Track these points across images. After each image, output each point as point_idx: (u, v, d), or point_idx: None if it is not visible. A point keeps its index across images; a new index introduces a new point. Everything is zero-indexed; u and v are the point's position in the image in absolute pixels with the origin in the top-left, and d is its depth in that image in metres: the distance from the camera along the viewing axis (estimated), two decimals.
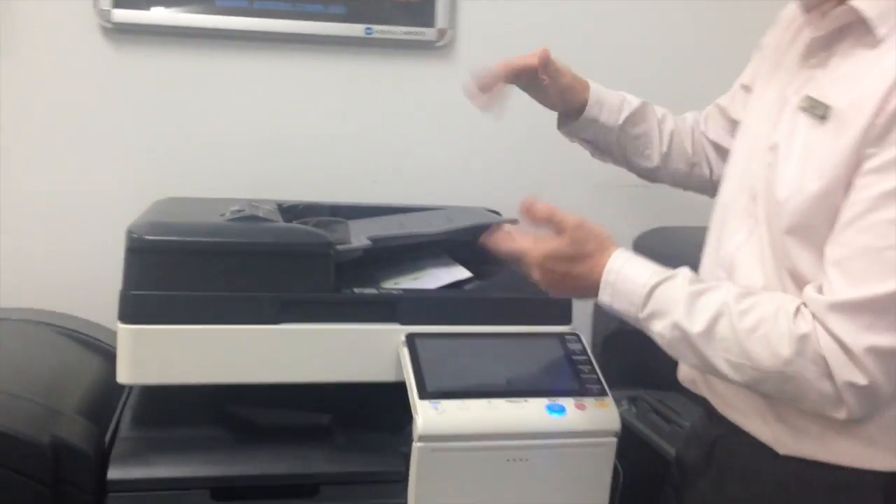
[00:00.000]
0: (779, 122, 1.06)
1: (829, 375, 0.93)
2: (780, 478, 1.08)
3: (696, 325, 1.00)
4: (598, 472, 1.27)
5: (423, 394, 1.23)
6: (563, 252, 1.11)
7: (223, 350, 1.28)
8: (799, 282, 1.01)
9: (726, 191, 1.17)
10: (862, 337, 0.91)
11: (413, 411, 1.22)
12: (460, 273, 1.48)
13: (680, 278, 1.05)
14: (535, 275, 1.14)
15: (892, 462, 1.02)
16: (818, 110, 0.99)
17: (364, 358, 1.33)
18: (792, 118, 1.04)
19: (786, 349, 0.94)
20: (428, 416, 1.20)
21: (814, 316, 0.94)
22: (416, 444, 1.20)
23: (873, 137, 0.92)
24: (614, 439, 1.26)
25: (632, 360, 1.70)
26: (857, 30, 0.99)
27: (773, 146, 1.05)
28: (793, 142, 1.02)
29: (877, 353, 0.91)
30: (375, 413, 1.37)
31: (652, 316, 1.04)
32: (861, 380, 0.92)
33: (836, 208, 0.96)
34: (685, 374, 1.22)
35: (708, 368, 1.02)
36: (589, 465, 1.26)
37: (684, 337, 1.01)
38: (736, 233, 1.11)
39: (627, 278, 1.07)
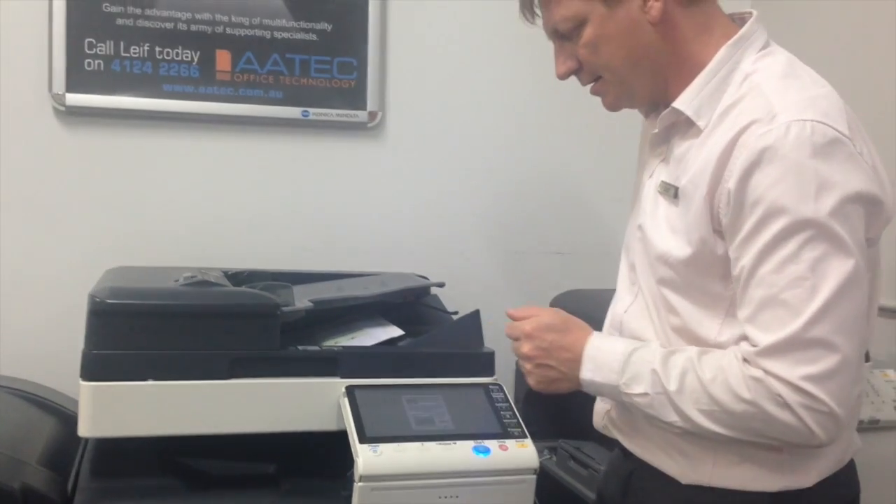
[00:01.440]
0: (645, 204, 1.26)
1: (787, 406, 1.07)
2: (685, 503, 1.23)
3: (671, 384, 1.13)
4: None
5: (363, 439, 1.37)
6: (552, 323, 1.26)
7: (178, 404, 1.39)
8: (681, 333, 1.19)
9: (620, 265, 1.37)
10: (796, 370, 1.06)
11: (354, 454, 1.35)
12: (394, 331, 1.64)
13: (653, 344, 1.19)
14: (525, 349, 1.25)
15: (773, 483, 1.18)
16: (670, 192, 1.19)
17: (308, 409, 1.46)
18: (654, 200, 1.24)
19: (745, 391, 1.09)
20: (368, 458, 1.34)
21: (756, 365, 1.09)
22: (357, 485, 1.33)
23: (723, 208, 1.11)
24: (534, 476, 1.41)
25: (551, 413, 1.84)
26: (684, 124, 1.20)
27: (640, 226, 1.25)
28: (657, 218, 1.21)
29: (813, 380, 1.05)
30: (318, 460, 1.50)
31: (632, 380, 1.18)
32: (818, 406, 1.06)
33: (708, 262, 1.14)
34: (598, 420, 1.37)
35: (687, 422, 1.14)
36: (511, 500, 1.41)
37: (664, 394, 1.15)
38: (623, 299, 1.31)
39: (607, 351, 1.21)
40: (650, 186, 1.25)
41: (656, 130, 1.24)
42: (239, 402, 1.42)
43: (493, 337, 1.60)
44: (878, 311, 1.22)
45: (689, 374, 1.13)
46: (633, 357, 1.18)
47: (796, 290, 1.05)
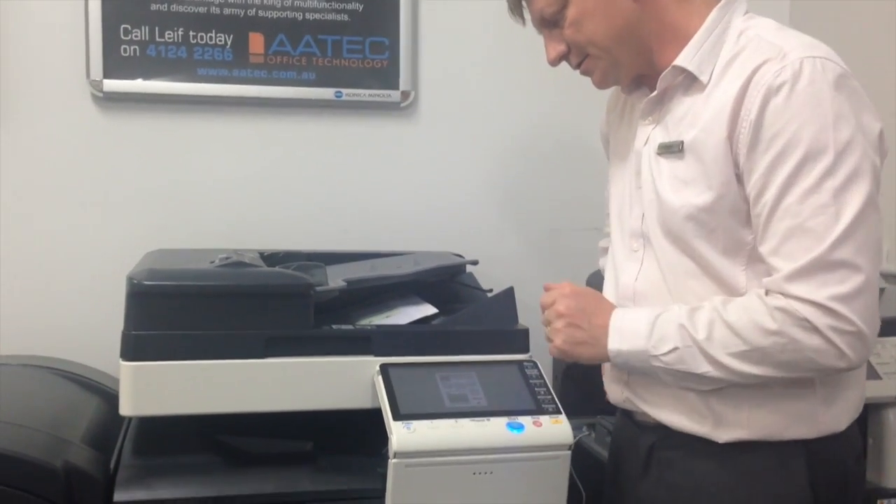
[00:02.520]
0: (640, 171, 1.28)
1: (815, 330, 1.09)
2: (718, 463, 1.23)
3: (699, 333, 1.17)
4: (554, 483, 1.41)
5: (397, 416, 1.38)
6: (590, 291, 1.35)
7: (215, 383, 1.42)
8: (702, 288, 1.21)
9: (612, 247, 1.39)
10: (822, 291, 1.09)
11: (388, 431, 1.36)
12: (427, 310, 1.64)
13: (673, 308, 1.23)
14: (561, 307, 1.30)
15: (808, 430, 1.19)
16: (673, 148, 1.22)
17: (342, 387, 1.47)
18: (654, 164, 1.26)
19: (770, 322, 1.12)
20: (402, 435, 1.35)
21: (781, 293, 1.12)
22: (391, 461, 1.34)
23: (743, 148, 1.14)
24: (568, 452, 1.41)
25: (589, 389, 1.83)
26: (683, 84, 1.24)
27: (639, 186, 1.28)
28: (663, 178, 1.24)
29: (840, 299, 1.08)
30: (354, 438, 1.51)
31: (660, 341, 1.20)
32: (846, 326, 1.09)
33: (732, 206, 1.17)
34: (616, 395, 1.38)
35: (720, 369, 1.16)
36: (546, 476, 1.41)
37: (694, 344, 1.17)
38: (626, 270, 1.33)
39: (632, 319, 1.25)
40: (647, 153, 1.28)
41: (653, 94, 1.27)
42: (274, 380, 1.44)
43: (528, 314, 1.60)
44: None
45: (716, 322, 1.16)
46: (659, 320, 1.21)
47: (820, 218, 1.09)
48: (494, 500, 1.39)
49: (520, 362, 1.53)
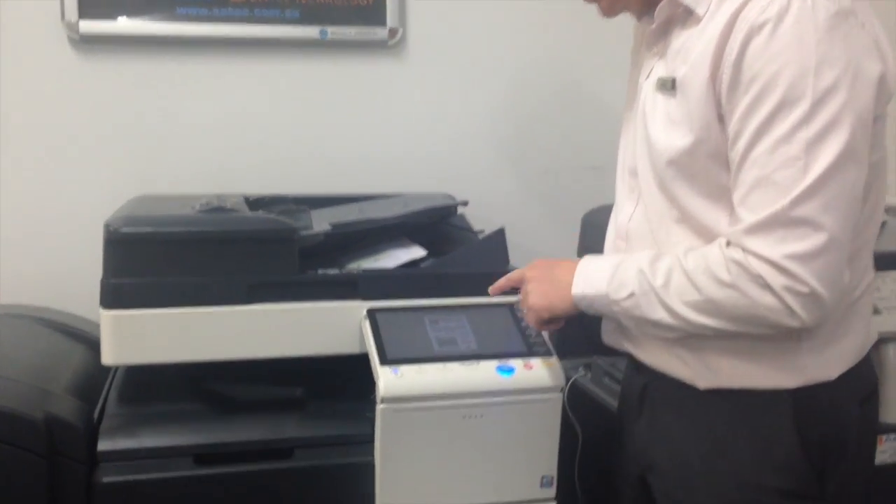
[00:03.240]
0: (644, 106, 1.23)
1: (768, 288, 1.05)
2: (704, 408, 1.21)
3: (657, 280, 1.14)
4: (547, 425, 1.39)
5: (384, 361, 1.35)
6: (549, 260, 1.33)
7: (198, 330, 1.39)
8: (687, 231, 1.17)
9: (617, 182, 1.35)
10: (779, 248, 1.04)
11: (375, 377, 1.34)
12: (417, 252, 1.61)
13: (637, 254, 1.20)
14: (529, 273, 1.31)
15: (794, 379, 1.16)
16: (667, 85, 1.16)
17: (329, 333, 1.44)
18: (651, 99, 1.21)
19: (724, 274, 1.08)
20: (389, 380, 1.32)
21: (739, 246, 1.08)
22: (379, 407, 1.31)
23: (724, 89, 1.08)
24: (560, 394, 1.38)
25: (586, 329, 1.80)
26: (682, 16, 1.17)
27: (639, 124, 1.23)
28: (656, 116, 1.19)
29: (797, 258, 1.04)
30: (343, 383, 1.49)
31: (620, 285, 1.18)
32: (800, 287, 1.04)
33: (713, 150, 1.12)
34: (608, 335, 1.35)
35: (674, 317, 1.14)
36: (539, 419, 1.38)
37: (651, 290, 1.15)
38: (623, 208, 1.29)
39: (596, 266, 1.23)
40: (648, 87, 1.23)
41: (654, 26, 1.21)
42: (259, 327, 1.41)
43: (520, 256, 1.57)
44: None
45: (675, 269, 1.13)
46: (621, 266, 1.19)
47: (788, 171, 1.04)
48: (485, 443, 1.37)
49: (511, 305, 1.49)
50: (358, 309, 1.45)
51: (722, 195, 1.13)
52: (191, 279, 1.38)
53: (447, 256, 1.58)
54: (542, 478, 1.40)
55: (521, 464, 1.39)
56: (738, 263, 1.07)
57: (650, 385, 1.28)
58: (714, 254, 1.11)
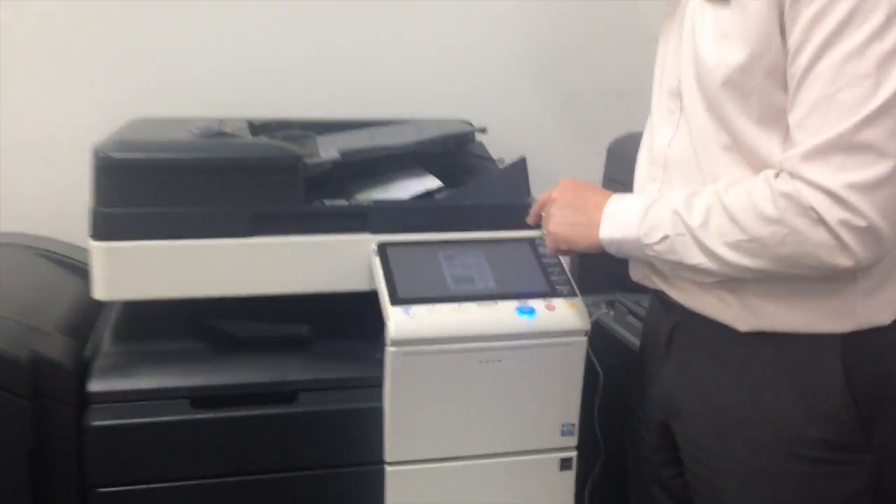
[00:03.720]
0: (683, 22, 1.12)
1: (822, 221, 0.96)
2: (742, 353, 1.12)
3: (694, 219, 1.05)
4: (569, 371, 1.30)
5: (395, 300, 1.25)
6: (578, 183, 1.23)
7: (196, 264, 1.29)
8: (736, 157, 1.06)
9: (652, 105, 1.23)
10: (838, 177, 0.94)
11: (385, 317, 1.24)
12: (431, 182, 1.49)
13: (672, 193, 1.10)
14: (556, 194, 1.21)
15: (844, 324, 1.06)
16: None
17: (336, 268, 1.34)
18: (699, 10, 1.09)
19: (770, 209, 0.98)
20: (399, 321, 1.22)
21: (791, 174, 0.98)
22: (388, 349, 1.22)
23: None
24: (584, 338, 1.28)
25: (609, 266, 1.71)
26: None
27: (683, 39, 1.12)
28: (704, 28, 1.07)
29: (858, 188, 0.94)
30: (351, 322, 1.39)
31: (652, 228, 1.09)
32: (857, 220, 0.94)
33: (770, 66, 1.00)
34: (637, 271, 1.25)
35: (714, 260, 1.05)
36: (560, 364, 1.29)
37: (687, 231, 1.05)
38: (661, 133, 1.18)
39: (625, 207, 1.14)
40: (690, 3, 1.11)
41: None
42: (262, 261, 1.31)
43: (543, 187, 1.44)
44: None
45: (714, 208, 1.04)
46: (654, 206, 1.10)
47: (855, 90, 0.93)
48: (503, 390, 1.28)
49: (532, 240, 1.39)
50: (367, 243, 1.34)
51: (777, 119, 1.02)
52: (187, 210, 1.28)
53: (464, 187, 1.47)
54: (563, 426, 1.31)
55: (542, 411, 1.30)
56: (788, 196, 0.97)
57: (681, 326, 1.19)
58: (759, 188, 1.00)
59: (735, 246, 1.02)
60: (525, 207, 1.39)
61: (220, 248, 1.29)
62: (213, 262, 1.30)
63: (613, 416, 1.39)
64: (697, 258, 1.05)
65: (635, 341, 1.69)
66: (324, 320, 1.40)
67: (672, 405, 1.22)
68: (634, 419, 1.34)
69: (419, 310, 1.24)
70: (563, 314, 1.28)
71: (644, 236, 1.10)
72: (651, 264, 1.18)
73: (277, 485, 1.28)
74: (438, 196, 1.46)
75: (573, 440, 1.32)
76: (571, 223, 1.18)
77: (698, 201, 1.06)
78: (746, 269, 1.03)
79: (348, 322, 1.39)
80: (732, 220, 1.02)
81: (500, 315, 1.26)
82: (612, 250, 1.15)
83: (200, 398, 1.26)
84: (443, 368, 1.24)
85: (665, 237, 1.07)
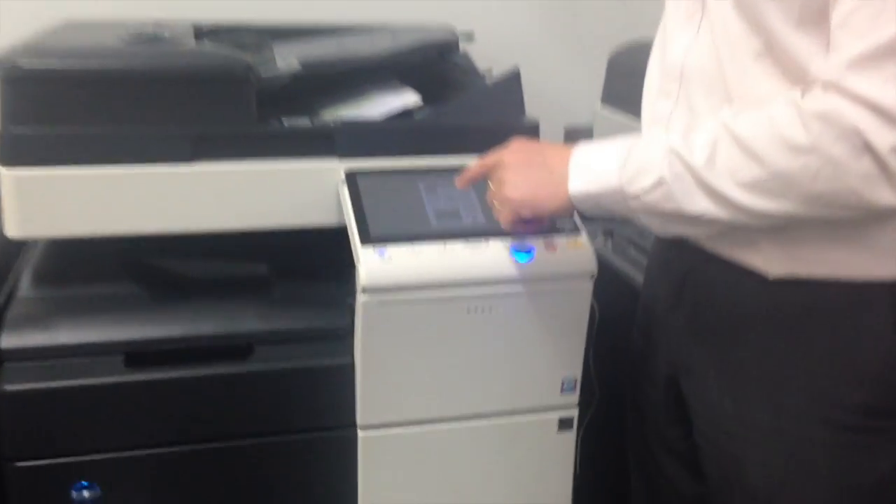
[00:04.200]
0: None
1: (867, 147, 0.77)
2: (767, 307, 0.95)
3: (697, 156, 0.86)
4: (572, 319, 1.11)
5: (367, 239, 1.05)
6: (534, 142, 1.04)
7: (128, 195, 1.09)
8: (769, 65, 0.87)
9: (666, 7, 1.04)
10: (891, 89, 0.76)
11: (356, 260, 1.05)
12: (409, 98, 1.28)
13: (656, 132, 0.93)
14: (507, 157, 1.01)
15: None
16: None
17: (298, 200, 1.14)
18: None
19: (800, 135, 0.80)
20: (372, 264, 1.03)
21: (831, 88, 0.79)
22: (360, 297, 1.03)
23: None
24: (590, 283, 1.09)
25: None
26: None
27: None
28: None
29: None
30: (317, 263, 1.20)
31: (638, 172, 0.89)
32: None
33: None
34: None
35: (724, 206, 0.86)
36: (562, 312, 1.11)
37: (687, 171, 0.86)
38: (678, 39, 0.99)
39: (598, 153, 0.95)
40: None
41: None
42: (207, 191, 1.11)
43: (538, 103, 1.26)
44: None
45: (722, 140, 0.85)
46: (637, 148, 0.91)
47: None
48: (494, 342, 1.10)
49: None
50: (334, 171, 1.14)
51: (818, 21, 0.83)
52: (116, 130, 1.07)
53: (448, 104, 1.26)
54: (564, 381, 1.14)
55: (539, 366, 1.12)
56: (824, 116, 0.78)
57: (696, 269, 1.01)
58: (783, 111, 0.81)
59: (752, 185, 0.83)
60: (519, 129, 1.19)
61: (158, 177, 1.09)
62: (149, 192, 1.09)
63: (611, 358, 1.21)
64: (701, 204, 0.86)
65: (636, 275, 1.52)
66: (285, 261, 1.20)
67: (682, 359, 1.06)
68: (636, 370, 1.18)
69: (396, 251, 1.04)
70: (566, 255, 1.09)
71: (628, 184, 0.90)
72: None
73: (229, 455, 1.10)
74: (418, 115, 1.25)
75: (574, 397, 1.15)
76: (532, 183, 0.98)
77: (700, 134, 0.87)
78: (765, 213, 0.84)
79: (314, 263, 1.20)
80: (748, 153, 0.83)
81: (492, 256, 1.06)
82: (585, 208, 0.96)
83: (136, 354, 1.07)
84: (424, 319, 1.06)
85: (659, 181, 0.88)
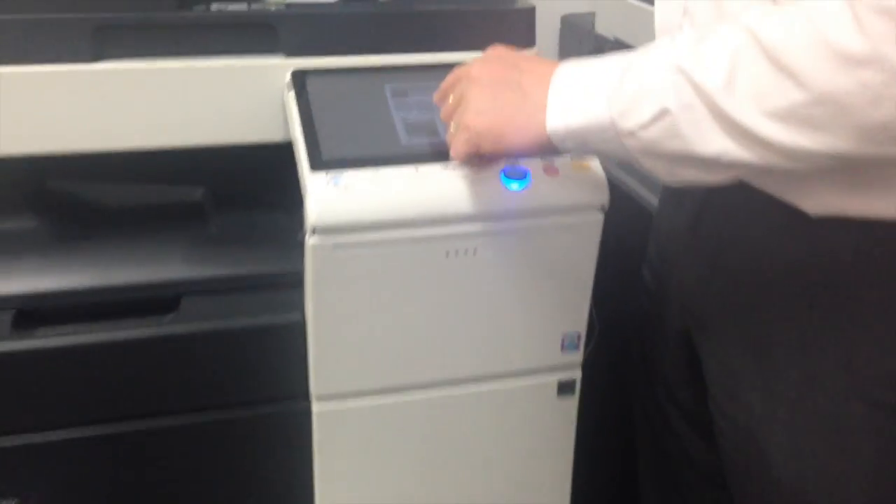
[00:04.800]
0: None
1: None
2: (804, 252, 0.75)
3: (712, 76, 0.62)
4: (575, 264, 0.89)
5: (317, 163, 0.82)
6: (512, 52, 0.80)
7: (14, 105, 0.85)
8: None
9: None
10: None
11: (303, 190, 0.81)
12: None
13: (661, 42, 0.68)
14: (474, 70, 0.77)
15: None
16: None
17: (232, 109, 0.90)
18: None
19: (854, 41, 0.56)
20: (324, 196, 0.79)
21: None
22: (309, 239, 0.80)
23: None
24: (600, 216, 0.87)
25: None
26: None
27: None
28: None
29: None
30: (263, 188, 0.97)
31: (637, 101, 0.66)
32: None
33: None
34: None
35: (749, 143, 0.63)
36: (563, 255, 0.88)
37: (699, 98, 0.63)
38: None
39: (588, 71, 0.71)
40: None
41: None
42: (115, 99, 0.88)
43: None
44: None
45: (745, 53, 0.61)
46: (637, 64, 0.68)
47: None
48: (479, 290, 0.87)
49: None
50: (277, 70, 0.89)
51: None
52: None
53: None
54: (565, 337, 0.92)
55: (535, 320, 0.90)
56: (889, 12, 0.54)
57: (713, 202, 0.82)
58: (830, 7, 0.57)
59: (786, 116, 0.60)
60: (510, 16, 0.95)
61: (52, 78, 0.84)
62: (41, 102, 0.85)
63: (612, 293, 0.99)
64: (717, 142, 0.63)
65: (646, 194, 1.30)
66: (220, 188, 0.97)
67: (697, 310, 0.87)
68: (645, 316, 0.98)
69: (355, 177, 0.81)
70: (570, 181, 0.85)
71: (621, 117, 0.67)
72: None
73: (153, 439, 0.87)
74: None
75: (577, 356, 0.93)
76: (500, 109, 0.74)
77: (715, 47, 0.63)
78: (804, 153, 0.61)
79: (258, 188, 0.97)
80: (780, 68, 0.59)
81: (477, 183, 0.83)
82: (567, 146, 0.73)
83: (28, 313, 0.84)
84: (391, 265, 0.83)
85: (661, 113, 0.65)
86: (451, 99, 0.78)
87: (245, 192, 0.98)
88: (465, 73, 0.77)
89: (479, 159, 0.79)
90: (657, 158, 0.68)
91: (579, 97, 0.69)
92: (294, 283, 0.86)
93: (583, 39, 1.41)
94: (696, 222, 0.85)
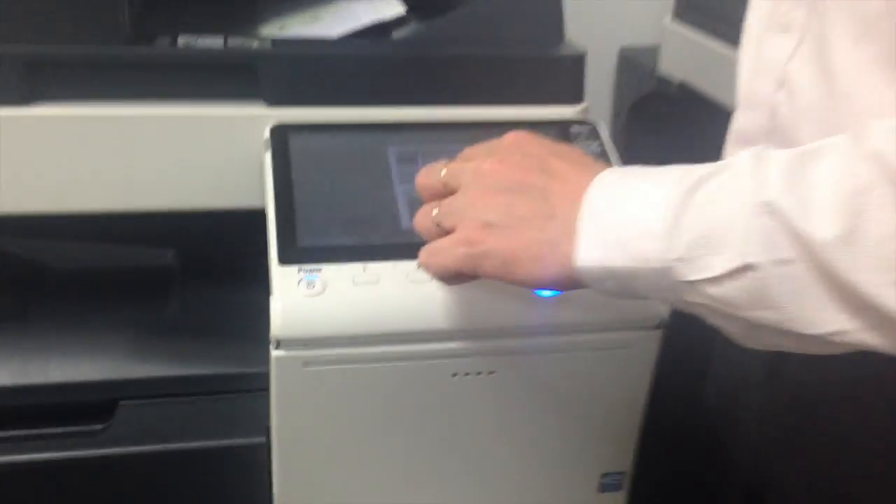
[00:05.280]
0: None
1: None
2: None
3: (825, 223, 0.42)
4: (621, 392, 0.69)
5: (289, 253, 0.63)
6: (544, 142, 0.57)
7: None
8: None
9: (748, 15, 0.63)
10: None
11: (270, 286, 0.63)
12: (390, 7, 0.83)
13: (741, 162, 0.47)
14: (485, 166, 0.56)
15: None
16: None
17: (199, 167, 0.72)
18: None
19: None
20: (293, 299, 0.61)
21: None
22: (273, 353, 0.61)
23: None
24: (657, 333, 0.66)
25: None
26: None
27: None
28: None
29: None
30: (237, 257, 0.78)
31: (703, 246, 0.46)
32: None
33: None
34: None
35: (875, 318, 0.42)
36: (606, 382, 0.68)
37: (802, 253, 0.43)
38: (772, 42, 0.59)
39: (635, 189, 0.50)
40: None
41: None
42: (51, 149, 0.70)
43: (585, 19, 0.83)
44: None
45: (871, 191, 0.41)
46: (702, 191, 0.47)
47: None
48: (497, 419, 0.68)
49: (565, 123, 0.74)
50: (256, 122, 0.71)
51: None
52: None
53: (443, 19, 0.79)
54: (604, 477, 0.72)
55: (565, 456, 0.70)
56: None
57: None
58: None
59: None
60: (556, 63, 0.76)
61: None
62: None
63: (667, 432, 0.79)
64: (828, 318, 0.44)
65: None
66: (188, 252, 0.80)
67: (771, 469, 0.70)
68: (702, 458, 0.80)
69: (336, 275, 0.62)
70: None
71: (681, 263, 0.47)
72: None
73: None
74: (397, 33, 0.80)
75: (619, 497, 0.73)
76: (514, 225, 0.53)
77: (825, 176, 0.43)
78: None
79: (232, 255, 0.79)
80: None
81: (495, 287, 0.63)
82: (606, 288, 0.51)
83: None
84: (380, 386, 0.64)
85: (743, 268, 0.45)
86: (443, 174, 0.58)
87: (217, 259, 0.80)
88: (476, 161, 0.57)
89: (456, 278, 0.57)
90: (731, 320, 0.47)
91: (623, 227, 0.49)
92: (263, 386, 0.68)
93: (642, 80, 1.21)
94: (771, 371, 0.67)
